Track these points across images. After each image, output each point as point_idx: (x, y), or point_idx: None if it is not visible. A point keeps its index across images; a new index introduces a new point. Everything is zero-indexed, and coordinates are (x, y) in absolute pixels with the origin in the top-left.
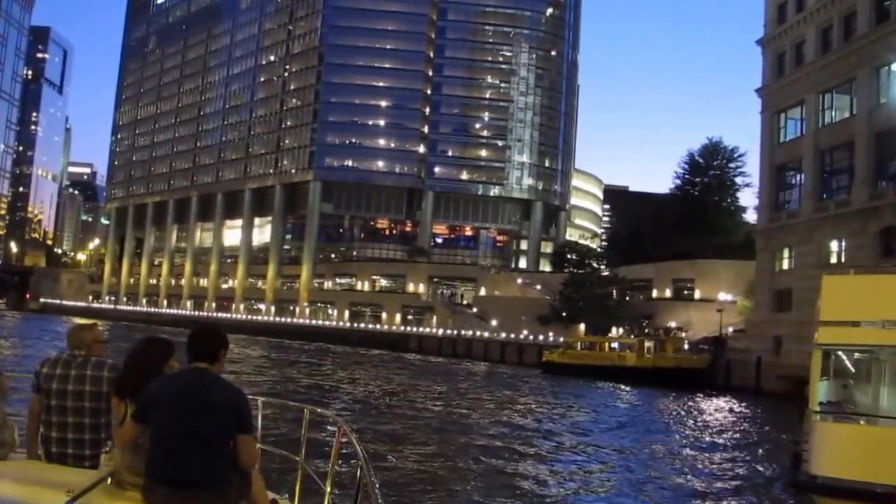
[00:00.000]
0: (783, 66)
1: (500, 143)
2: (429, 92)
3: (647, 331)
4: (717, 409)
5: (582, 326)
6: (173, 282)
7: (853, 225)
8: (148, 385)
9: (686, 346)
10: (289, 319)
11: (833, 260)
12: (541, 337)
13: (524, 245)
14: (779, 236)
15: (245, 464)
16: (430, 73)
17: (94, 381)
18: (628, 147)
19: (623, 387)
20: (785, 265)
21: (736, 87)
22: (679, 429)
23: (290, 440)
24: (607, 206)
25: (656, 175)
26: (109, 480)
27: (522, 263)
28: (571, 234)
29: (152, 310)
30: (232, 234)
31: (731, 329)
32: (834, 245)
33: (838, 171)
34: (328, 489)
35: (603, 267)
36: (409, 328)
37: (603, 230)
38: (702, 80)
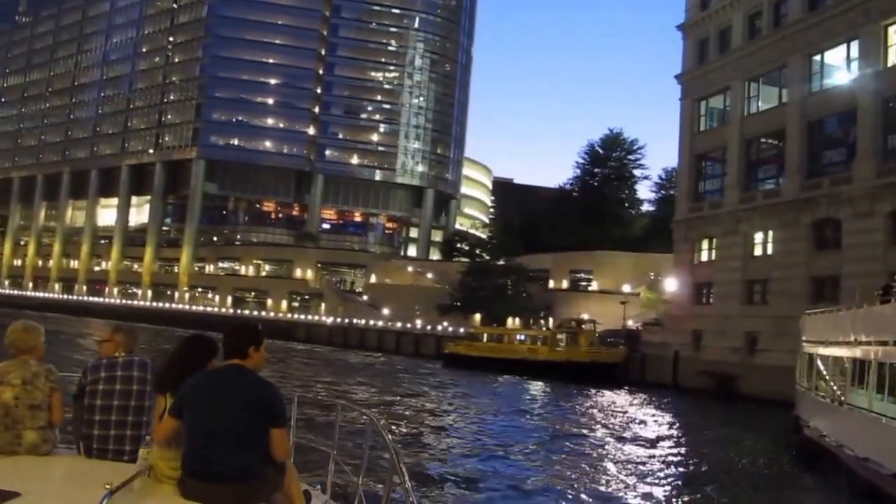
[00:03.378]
0: (706, 52)
1: (392, 127)
2: (321, 72)
3: (546, 321)
4: (656, 407)
5: (478, 316)
6: (40, 263)
7: (784, 216)
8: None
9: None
10: (167, 305)
11: (758, 252)
12: (438, 327)
13: (414, 233)
14: (700, 227)
15: (278, 456)
16: (323, 53)
17: (141, 382)
18: (513, 141)
19: (534, 382)
20: (704, 257)
21: (628, 81)
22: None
23: (322, 433)
24: (493, 198)
25: (540, 170)
26: (147, 474)
27: (412, 251)
28: (462, 223)
29: (16, 292)
30: (107, 214)
31: (631, 321)
32: (759, 237)
33: (766, 160)
34: (360, 480)
35: (488, 257)
36: (296, 315)
37: (489, 220)
38: (593, 76)
